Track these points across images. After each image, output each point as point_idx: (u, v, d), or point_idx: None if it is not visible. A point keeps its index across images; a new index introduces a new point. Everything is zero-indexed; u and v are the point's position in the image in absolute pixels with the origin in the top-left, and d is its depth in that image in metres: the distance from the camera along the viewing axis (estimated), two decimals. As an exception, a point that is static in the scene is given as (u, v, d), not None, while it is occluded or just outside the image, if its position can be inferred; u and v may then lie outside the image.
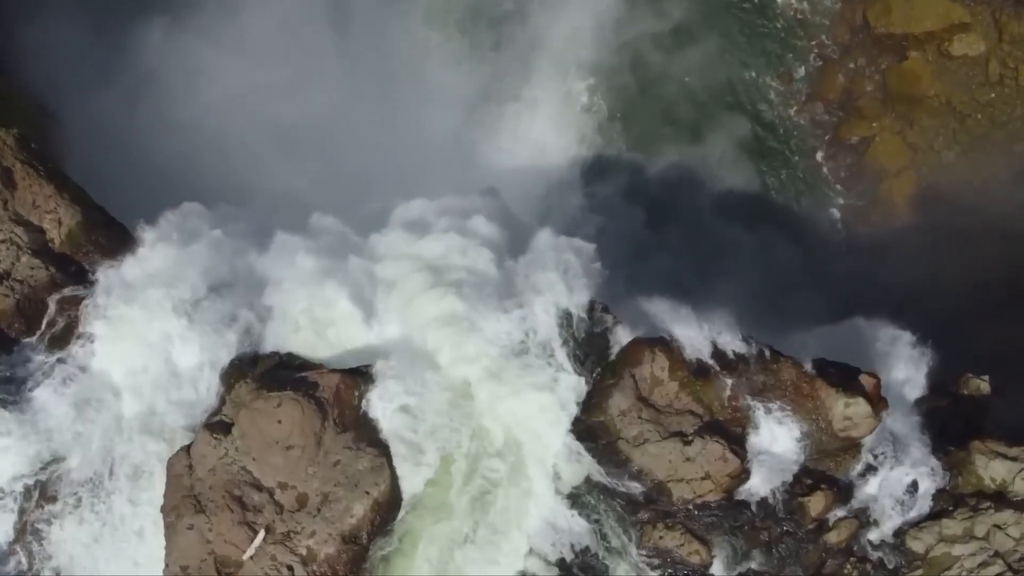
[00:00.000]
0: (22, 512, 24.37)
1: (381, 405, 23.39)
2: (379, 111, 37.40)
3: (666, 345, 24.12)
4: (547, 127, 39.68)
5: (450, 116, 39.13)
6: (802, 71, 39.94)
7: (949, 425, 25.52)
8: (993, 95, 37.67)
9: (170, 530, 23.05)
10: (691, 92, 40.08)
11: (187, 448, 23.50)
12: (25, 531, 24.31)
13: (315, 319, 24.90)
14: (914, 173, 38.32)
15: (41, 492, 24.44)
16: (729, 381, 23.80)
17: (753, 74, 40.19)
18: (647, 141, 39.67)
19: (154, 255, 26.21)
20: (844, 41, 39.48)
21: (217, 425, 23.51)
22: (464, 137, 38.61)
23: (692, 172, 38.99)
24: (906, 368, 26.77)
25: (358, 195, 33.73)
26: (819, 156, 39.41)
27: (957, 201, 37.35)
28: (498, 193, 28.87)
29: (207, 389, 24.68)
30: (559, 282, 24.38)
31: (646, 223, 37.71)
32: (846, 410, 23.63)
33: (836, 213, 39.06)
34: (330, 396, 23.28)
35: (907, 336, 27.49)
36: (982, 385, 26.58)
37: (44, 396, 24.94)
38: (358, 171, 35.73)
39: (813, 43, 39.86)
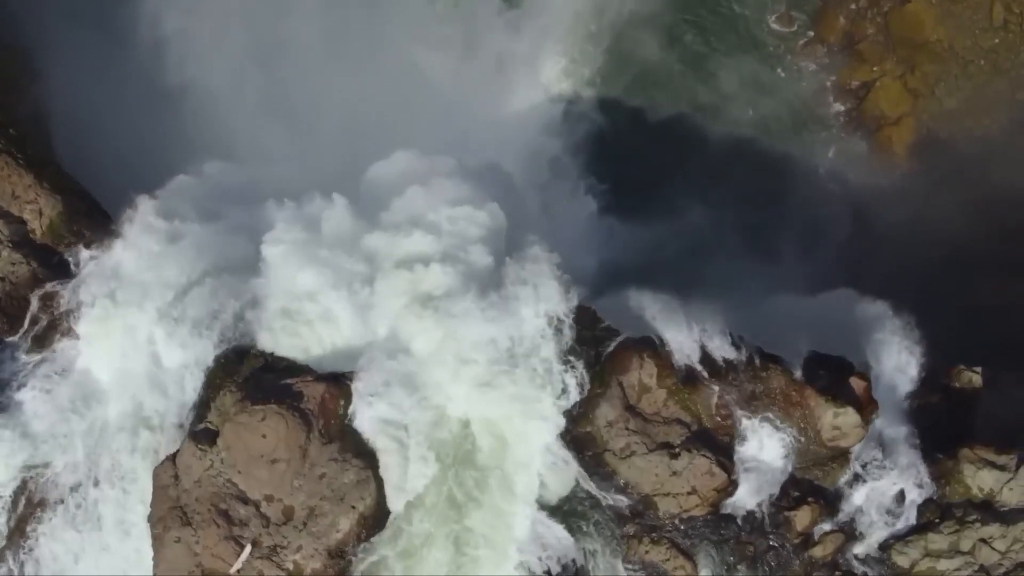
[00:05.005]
0: (10, 517, 24.36)
1: (367, 415, 23.15)
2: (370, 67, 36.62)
3: (654, 350, 23.82)
4: (539, 73, 38.87)
5: (443, 68, 38.38)
6: (803, 12, 38.97)
7: (939, 424, 25.30)
8: (997, 41, 36.82)
9: (157, 541, 23.05)
10: (687, 36, 39.22)
11: (172, 458, 23.37)
12: (14, 536, 24.34)
13: (301, 317, 24.57)
14: (914, 120, 37.66)
15: (29, 497, 24.39)
16: (717, 389, 23.55)
17: (752, 14, 39.24)
18: (636, 88, 38.94)
19: (137, 245, 25.71)
20: (846, -19, 38.51)
21: (202, 434, 23.31)
22: (458, 95, 37.75)
23: (684, 121, 38.43)
24: (898, 353, 26.29)
25: (346, 161, 33.26)
26: (818, 101, 38.61)
27: (957, 150, 36.75)
28: (491, 169, 28.27)
29: (193, 389, 24.39)
30: (546, 286, 23.89)
31: (636, 174, 37.17)
32: (835, 419, 23.48)
33: (834, 160, 38.39)
34: (315, 407, 23.08)
35: (901, 317, 27.05)
36: (974, 378, 26.25)
37: (29, 398, 24.75)
38: (346, 129, 35.06)
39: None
